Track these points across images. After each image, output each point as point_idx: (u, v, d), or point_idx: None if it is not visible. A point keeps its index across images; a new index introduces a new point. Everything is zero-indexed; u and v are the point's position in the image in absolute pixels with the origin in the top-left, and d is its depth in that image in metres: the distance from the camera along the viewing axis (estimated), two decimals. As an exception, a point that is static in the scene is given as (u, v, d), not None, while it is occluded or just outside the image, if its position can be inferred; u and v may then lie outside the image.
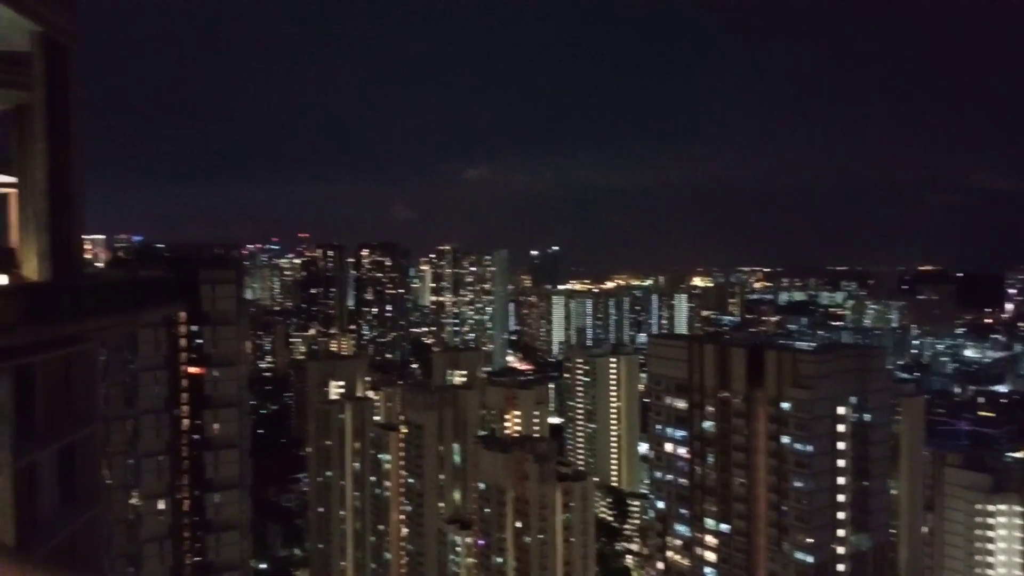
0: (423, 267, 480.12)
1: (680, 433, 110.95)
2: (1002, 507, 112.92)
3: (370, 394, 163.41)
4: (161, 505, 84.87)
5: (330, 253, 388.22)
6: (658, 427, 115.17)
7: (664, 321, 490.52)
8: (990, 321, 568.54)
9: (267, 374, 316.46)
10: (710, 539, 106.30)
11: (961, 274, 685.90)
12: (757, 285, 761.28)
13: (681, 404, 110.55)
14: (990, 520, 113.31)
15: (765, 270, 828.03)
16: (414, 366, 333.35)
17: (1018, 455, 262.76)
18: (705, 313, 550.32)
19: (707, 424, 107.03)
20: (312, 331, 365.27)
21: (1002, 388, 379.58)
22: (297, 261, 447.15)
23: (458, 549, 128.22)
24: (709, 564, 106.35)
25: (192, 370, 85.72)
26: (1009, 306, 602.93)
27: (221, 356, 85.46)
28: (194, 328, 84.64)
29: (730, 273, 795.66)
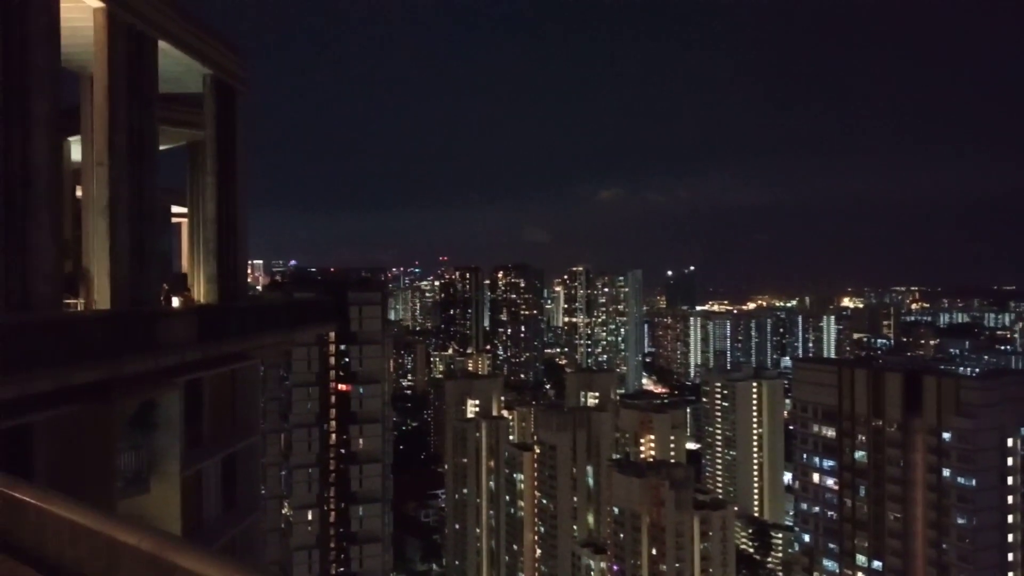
0: (556, 288, 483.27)
1: (829, 463, 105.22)
2: None
3: (505, 413, 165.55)
4: (310, 515, 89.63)
5: (467, 275, 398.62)
6: (804, 456, 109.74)
7: (810, 344, 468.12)
8: None
9: (408, 392, 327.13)
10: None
11: None
12: (914, 306, 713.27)
13: (830, 432, 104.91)
14: None
15: (923, 289, 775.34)
16: (547, 387, 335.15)
17: None
18: (856, 336, 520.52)
19: (859, 454, 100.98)
20: (450, 351, 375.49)
21: None
22: (437, 283, 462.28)
23: (592, 573, 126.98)
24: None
25: (340, 387, 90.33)
26: None
27: (366, 374, 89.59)
28: (342, 347, 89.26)
29: (884, 293, 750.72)
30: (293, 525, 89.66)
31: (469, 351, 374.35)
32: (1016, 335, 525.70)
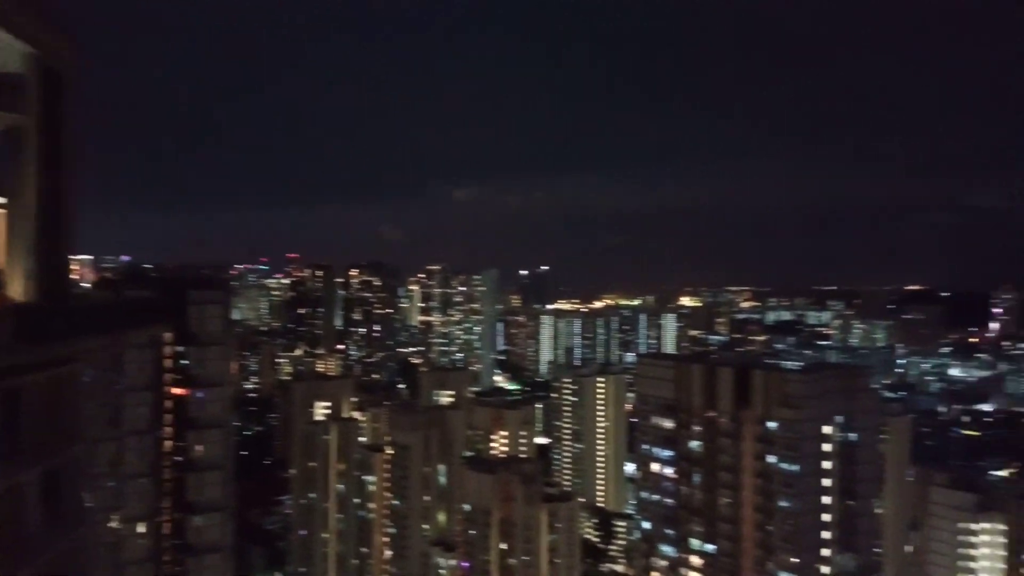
0: (412, 287, 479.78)
1: (667, 453, 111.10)
2: (986, 526, 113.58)
3: (356, 415, 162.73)
4: (142, 528, 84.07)
5: (318, 273, 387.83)
6: (645, 447, 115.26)
7: (652, 341, 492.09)
8: (976, 340, 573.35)
9: (252, 395, 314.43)
10: (695, 560, 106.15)
11: (947, 294, 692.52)
12: (745, 305, 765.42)
13: (668, 424, 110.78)
14: (974, 539, 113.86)
15: (753, 290, 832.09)
16: (401, 386, 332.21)
17: (1002, 474, 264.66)
18: (693, 333, 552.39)
19: (694, 444, 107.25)
20: (299, 351, 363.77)
21: (987, 407, 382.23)
22: (285, 281, 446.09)
23: (442, 572, 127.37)
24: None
25: (177, 391, 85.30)
26: (994, 325, 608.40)
27: (206, 377, 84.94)
28: (180, 349, 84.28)
29: (718, 293, 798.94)
30: (124, 538, 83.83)
31: (319, 351, 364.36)
32: (834, 331, 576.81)
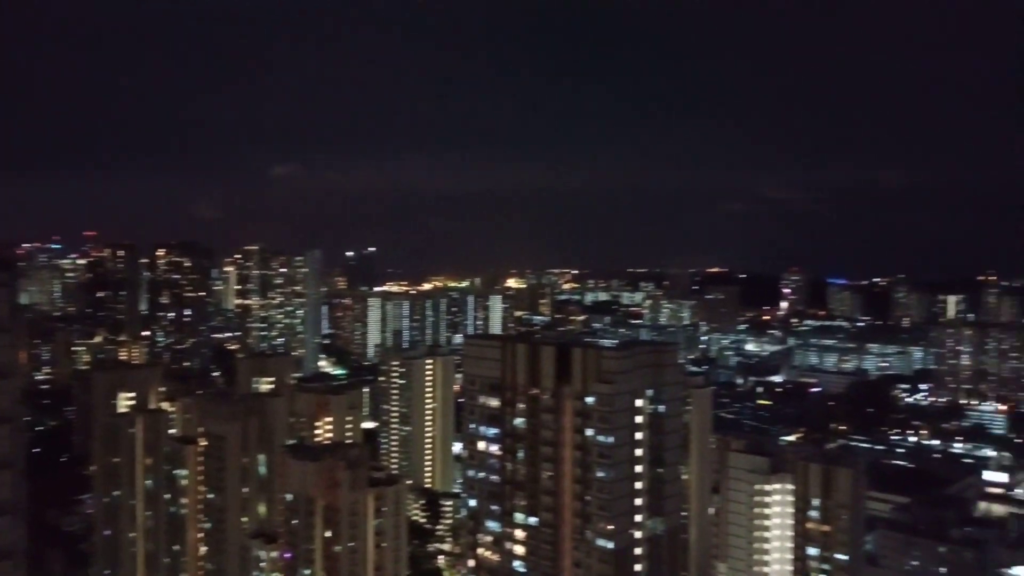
0: (227, 268, 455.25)
1: (492, 431, 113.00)
2: (776, 487, 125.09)
3: (165, 405, 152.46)
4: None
5: (120, 253, 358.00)
6: (471, 426, 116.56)
7: (479, 322, 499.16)
8: (768, 318, 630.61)
9: (45, 387, 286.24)
10: (519, 533, 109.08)
11: (744, 275, 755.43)
12: (566, 286, 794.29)
13: (494, 403, 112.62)
14: (767, 499, 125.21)
15: (573, 272, 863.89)
16: (216, 374, 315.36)
17: (791, 438, 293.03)
18: (518, 313, 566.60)
19: (518, 421, 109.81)
20: (98, 339, 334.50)
21: (778, 379, 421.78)
22: (82, 262, 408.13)
23: (262, 564, 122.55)
24: (518, 557, 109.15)
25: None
26: (784, 304, 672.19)
27: (-14, 368, 75.78)
28: (-48, 337, 74.40)
29: (542, 275, 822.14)
30: None
31: (122, 338, 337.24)
32: (646, 310, 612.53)
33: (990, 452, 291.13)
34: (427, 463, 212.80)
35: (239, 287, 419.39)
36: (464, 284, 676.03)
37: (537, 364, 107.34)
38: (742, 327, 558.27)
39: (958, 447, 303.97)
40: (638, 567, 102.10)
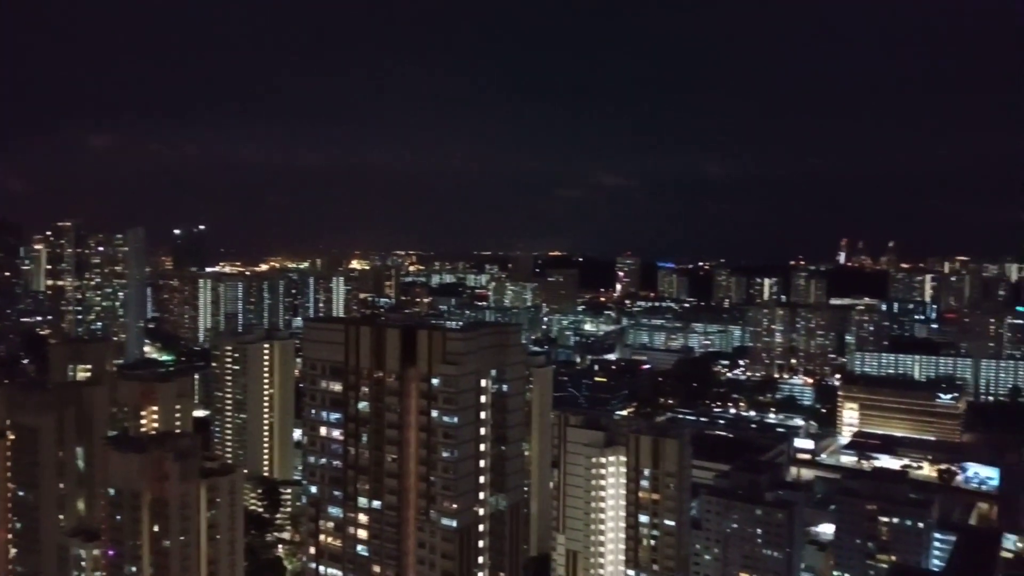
0: (37, 247, 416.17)
1: (335, 416, 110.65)
2: (611, 459, 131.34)
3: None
4: None
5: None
6: (312, 411, 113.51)
7: (321, 304, 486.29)
8: (604, 300, 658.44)
9: None
10: (362, 517, 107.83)
11: (582, 259, 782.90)
12: (412, 268, 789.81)
13: (336, 387, 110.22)
14: (602, 471, 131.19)
15: (419, 253, 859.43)
16: (25, 362, 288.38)
17: (624, 413, 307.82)
18: (362, 295, 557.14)
19: (362, 405, 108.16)
20: None
21: (612, 357, 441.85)
22: None
23: (83, 563, 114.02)
24: (361, 542, 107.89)
25: None
26: (619, 286, 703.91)
27: None
28: None
29: (387, 256, 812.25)
30: None
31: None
32: (490, 293, 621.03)
33: (799, 421, 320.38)
34: (265, 451, 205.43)
35: (51, 267, 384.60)
36: (304, 265, 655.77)
37: (382, 347, 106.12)
38: (581, 308, 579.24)
39: (772, 417, 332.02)
40: (480, 543, 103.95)
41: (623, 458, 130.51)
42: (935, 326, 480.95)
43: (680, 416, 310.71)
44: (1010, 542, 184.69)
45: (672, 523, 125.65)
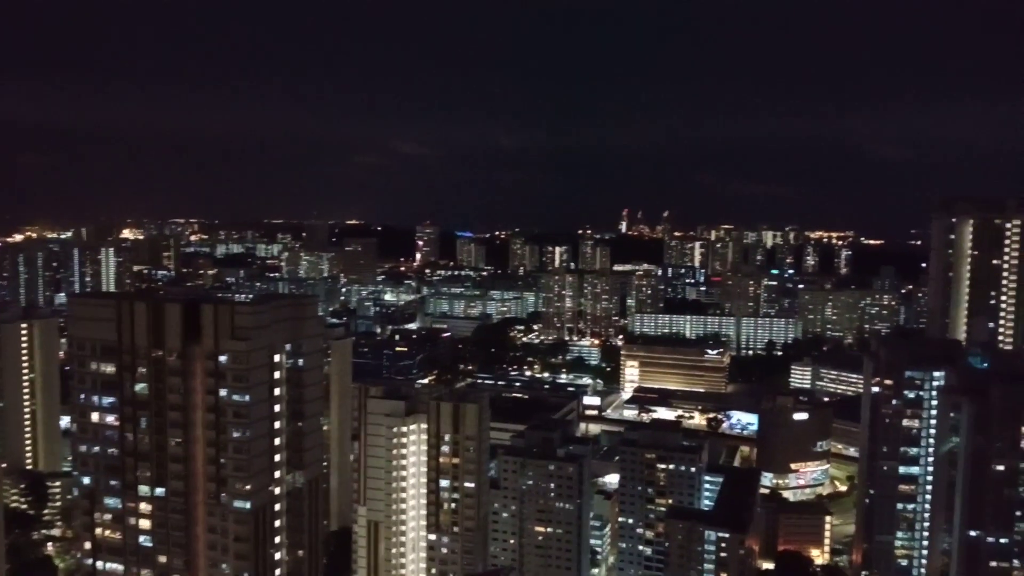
0: None
1: (109, 400, 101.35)
2: (412, 427, 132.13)
3: None
4: None
5: None
6: (83, 396, 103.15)
7: (89, 279, 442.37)
8: (404, 269, 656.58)
9: None
10: (144, 507, 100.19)
11: (380, 228, 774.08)
12: (193, 238, 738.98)
13: (109, 368, 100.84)
14: (403, 440, 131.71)
15: (201, 222, 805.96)
16: None
17: (426, 381, 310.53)
18: (137, 268, 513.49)
19: (140, 387, 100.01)
20: None
21: (413, 326, 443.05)
22: None
23: None
24: (144, 532, 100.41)
25: None
26: (418, 256, 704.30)
27: None
28: None
29: (164, 225, 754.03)
30: None
31: None
32: (283, 263, 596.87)
33: (588, 380, 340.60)
34: (28, 442, 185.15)
35: None
36: (68, 235, 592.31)
37: (161, 323, 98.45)
38: (380, 278, 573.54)
39: (564, 377, 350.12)
40: (277, 523, 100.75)
41: (424, 425, 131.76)
42: (703, 288, 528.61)
43: (479, 381, 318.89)
44: (767, 479, 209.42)
45: (472, 485, 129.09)
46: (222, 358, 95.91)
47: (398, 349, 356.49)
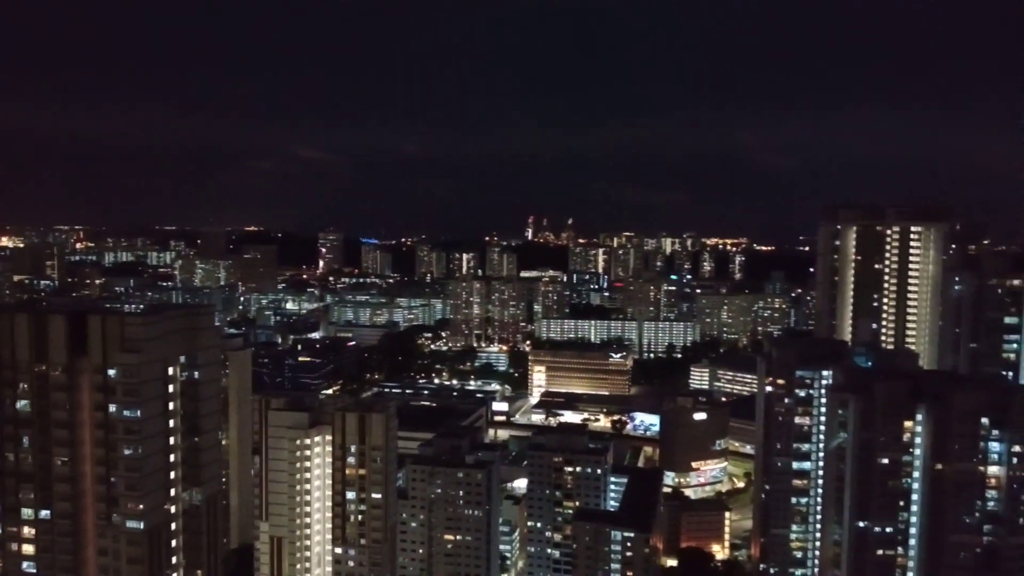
0: None
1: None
2: (317, 439, 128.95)
3: None
4: None
5: None
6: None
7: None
8: (306, 276, 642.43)
9: None
10: (28, 530, 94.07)
11: (281, 234, 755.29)
12: (79, 246, 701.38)
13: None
14: (307, 452, 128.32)
15: (87, 229, 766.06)
16: None
17: (330, 391, 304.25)
18: (17, 278, 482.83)
19: (21, 404, 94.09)
20: None
21: (317, 335, 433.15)
22: None
23: None
24: (28, 558, 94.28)
25: None
26: (321, 263, 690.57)
27: None
28: None
29: (47, 232, 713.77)
30: None
31: None
32: (176, 272, 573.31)
33: (496, 386, 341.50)
34: None
35: None
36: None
37: (44, 336, 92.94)
38: (281, 286, 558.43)
39: (472, 384, 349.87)
40: (174, 542, 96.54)
41: (329, 437, 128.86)
42: (607, 294, 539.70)
43: (386, 390, 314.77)
44: (669, 478, 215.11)
45: (379, 495, 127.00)
46: (111, 372, 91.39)
47: (301, 359, 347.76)
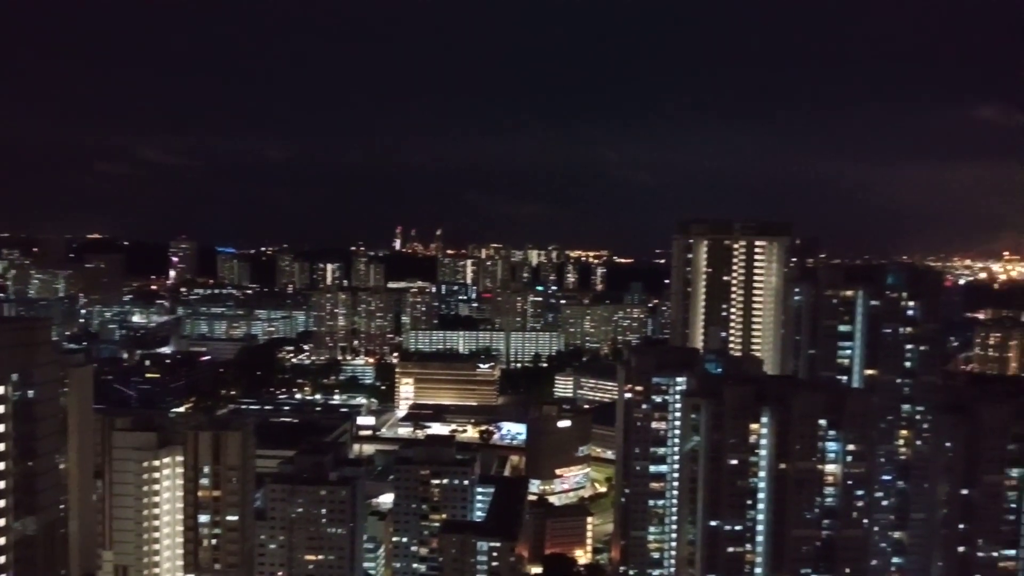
0: None
1: None
2: (167, 460, 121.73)
3: None
4: None
5: None
6: None
7: None
8: (156, 287, 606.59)
9: None
10: None
11: (127, 243, 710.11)
12: None
13: None
14: (156, 475, 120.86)
15: None
16: None
17: (182, 409, 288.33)
18: None
19: None
20: None
21: (167, 350, 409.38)
22: None
23: None
24: None
25: None
26: (172, 273, 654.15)
27: None
28: None
29: None
30: None
31: None
32: (9, 282, 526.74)
33: (362, 400, 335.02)
34: None
35: None
36: None
37: None
38: (127, 298, 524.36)
39: (337, 398, 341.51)
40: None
41: (180, 458, 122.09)
42: (475, 305, 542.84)
43: (244, 406, 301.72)
44: (535, 486, 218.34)
45: (235, 518, 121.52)
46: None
47: (149, 376, 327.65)
